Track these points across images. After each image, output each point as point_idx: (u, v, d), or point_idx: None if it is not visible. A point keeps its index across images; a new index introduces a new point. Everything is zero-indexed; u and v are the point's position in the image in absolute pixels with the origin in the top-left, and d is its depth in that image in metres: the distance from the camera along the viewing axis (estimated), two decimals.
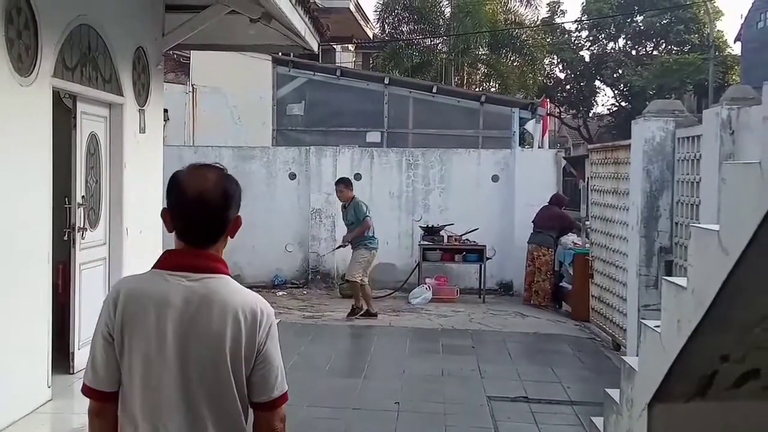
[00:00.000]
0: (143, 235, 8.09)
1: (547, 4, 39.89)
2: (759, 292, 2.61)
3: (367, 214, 10.30)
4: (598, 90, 43.52)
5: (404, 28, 29.05)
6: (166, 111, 10.39)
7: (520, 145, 15.82)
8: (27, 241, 5.82)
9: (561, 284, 11.48)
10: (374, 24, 28.10)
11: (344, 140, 14.45)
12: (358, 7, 22.28)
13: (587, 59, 41.63)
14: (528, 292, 11.73)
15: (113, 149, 7.56)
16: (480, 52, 28.11)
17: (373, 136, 15.44)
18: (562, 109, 43.24)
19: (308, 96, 15.85)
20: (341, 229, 11.43)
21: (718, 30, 38.50)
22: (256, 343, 2.20)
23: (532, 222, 11.67)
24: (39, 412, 5.89)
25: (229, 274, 2.27)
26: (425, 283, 11.86)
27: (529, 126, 15.93)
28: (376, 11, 29.04)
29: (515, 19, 30.23)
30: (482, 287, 12.03)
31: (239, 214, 2.30)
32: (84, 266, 7.03)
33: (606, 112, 44.61)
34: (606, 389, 4.02)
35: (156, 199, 8.64)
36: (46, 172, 6.09)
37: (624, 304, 8.24)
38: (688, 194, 6.95)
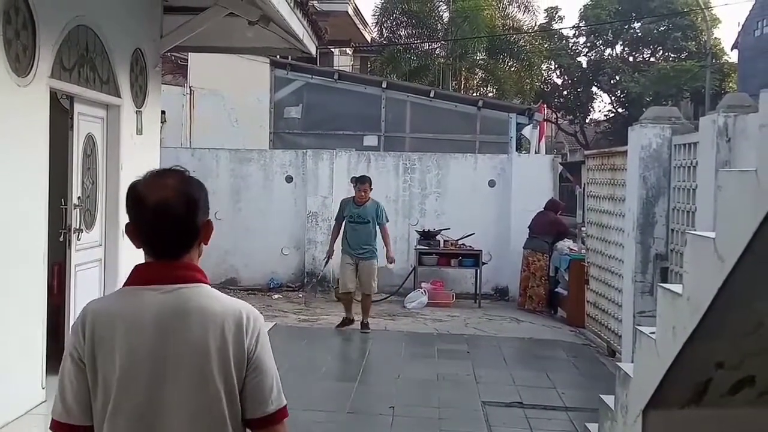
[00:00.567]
0: None
1: (545, 9, 40.09)
2: (754, 299, 2.62)
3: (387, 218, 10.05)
4: (595, 96, 43.59)
5: (402, 33, 29.10)
6: (163, 113, 10.37)
7: (516, 150, 15.82)
8: (23, 242, 5.81)
9: (556, 290, 11.48)
10: (372, 28, 28.13)
11: (341, 144, 14.45)
12: (357, 10, 22.29)
13: (584, 65, 41.70)
14: (523, 297, 11.73)
15: (110, 150, 7.56)
16: (478, 57, 28.17)
17: (370, 140, 15.44)
18: (559, 115, 43.30)
19: (306, 99, 15.85)
20: None
21: (715, 38, 38.62)
22: (245, 351, 2.01)
23: (528, 228, 11.68)
24: (33, 414, 5.88)
25: (207, 283, 2.10)
26: (421, 288, 11.86)
27: (526, 131, 15.95)
28: (374, 15, 29.15)
29: (513, 24, 30.31)
30: (478, 292, 12.03)
31: (209, 218, 2.16)
32: (79, 267, 7.02)
33: (603, 118, 44.66)
34: (601, 395, 4.02)
35: None
36: (43, 172, 6.08)
37: (619, 311, 8.24)
38: (684, 201, 6.96)
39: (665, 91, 35.21)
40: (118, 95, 7.54)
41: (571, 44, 41.35)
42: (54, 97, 6.55)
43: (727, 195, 2.59)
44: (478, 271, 11.96)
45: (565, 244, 11.67)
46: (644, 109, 8.66)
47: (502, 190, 12.75)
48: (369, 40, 26.52)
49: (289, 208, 12.86)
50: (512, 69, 29.19)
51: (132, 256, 6.82)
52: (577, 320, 10.26)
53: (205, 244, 2.15)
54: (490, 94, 29.13)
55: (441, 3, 28.53)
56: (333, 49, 21.75)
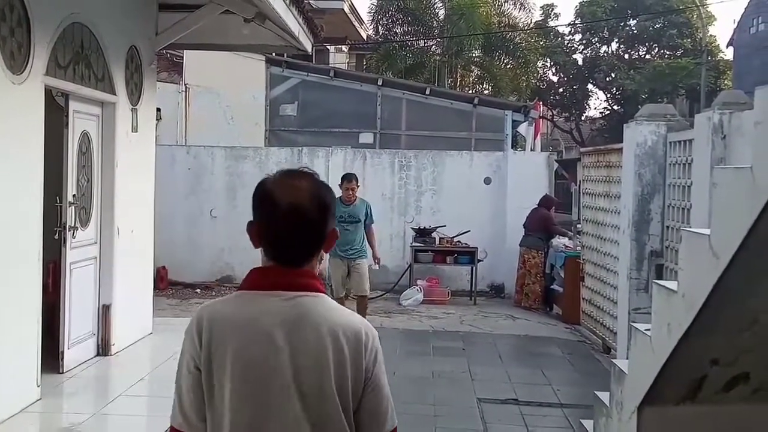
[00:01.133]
0: (134, 235, 8.07)
1: (541, 7, 40.07)
2: (749, 295, 2.62)
3: None
4: (590, 93, 43.59)
5: (398, 30, 29.05)
6: (158, 110, 10.34)
7: (512, 147, 15.84)
8: (17, 240, 5.79)
9: (552, 287, 11.50)
10: (368, 25, 28.10)
11: (337, 141, 14.45)
12: (353, 8, 22.27)
13: (580, 62, 41.70)
14: (519, 294, 11.75)
15: (105, 148, 7.54)
16: (473, 55, 28.13)
17: (366, 137, 15.43)
18: (554, 112, 43.30)
19: (301, 96, 15.84)
20: None
21: (710, 35, 38.63)
22: (363, 370, 1.92)
23: (523, 225, 11.69)
24: (28, 412, 5.86)
25: (325, 293, 1.99)
26: (417, 285, 11.87)
27: (522, 129, 15.95)
28: (370, 12, 29.08)
29: (509, 21, 30.26)
30: (473, 289, 12.04)
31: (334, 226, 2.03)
32: (74, 265, 7.01)
33: (598, 115, 44.67)
34: (596, 392, 4.03)
35: (148, 199, 8.62)
36: (38, 170, 6.06)
37: (614, 307, 8.26)
38: (679, 198, 6.97)
39: (661, 89, 35.23)
40: (114, 93, 7.53)
41: (566, 41, 41.33)
42: (49, 94, 6.54)
43: (723, 192, 2.59)
44: (474, 268, 11.97)
45: (561, 242, 11.68)
46: (640, 107, 8.66)
47: (497, 188, 12.76)
48: (365, 38, 26.48)
49: None
50: (508, 66, 29.18)
51: (127, 254, 6.82)
52: (573, 317, 10.28)
53: (326, 252, 2.04)
54: (486, 92, 29.11)
55: (437, 0, 28.51)
56: (329, 47, 21.73)
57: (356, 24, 23.31)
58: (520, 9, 30.80)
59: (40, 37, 5.93)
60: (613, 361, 3.89)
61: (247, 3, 7.87)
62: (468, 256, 11.93)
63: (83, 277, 7.20)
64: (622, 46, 41.81)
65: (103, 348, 7.56)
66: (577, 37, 41.76)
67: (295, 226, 1.93)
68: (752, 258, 2.43)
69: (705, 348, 2.88)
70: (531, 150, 14.89)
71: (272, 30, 8.88)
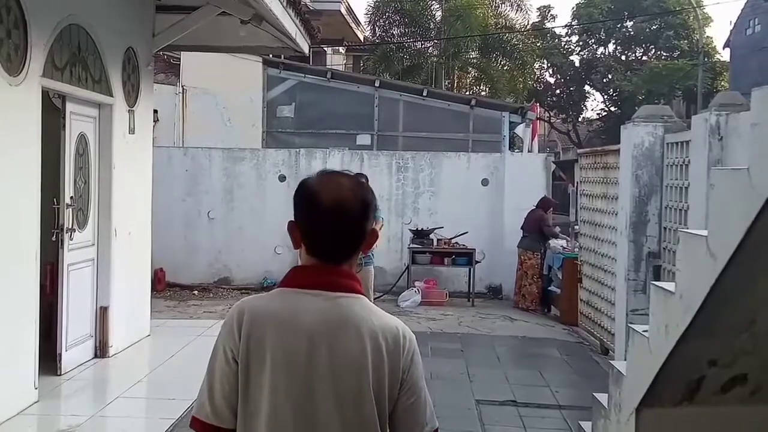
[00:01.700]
0: (132, 237, 8.07)
1: (538, 8, 40.15)
2: (746, 297, 2.63)
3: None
4: (587, 95, 43.69)
5: (395, 31, 29.09)
6: (155, 112, 10.35)
7: (509, 149, 15.85)
8: (15, 242, 5.79)
9: (550, 288, 11.50)
10: (365, 27, 28.12)
11: (334, 143, 14.45)
12: (349, 9, 22.28)
13: (577, 64, 41.78)
14: (517, 295, 11.75)
15: (102, 150, 7.54)
16: (470, 56, 28.18)
17: (363, 139, 15.44)
18: (551, 114, 43.36)
19: (299, 98, 15.84)
20: None
21: (707, 36, 38.74)
22: (399, 371, 1.93)
23: (521, 227, 11.70)
24: (25, 414, 5.86)
25: (363, 294, 2.01)
26: (414, 287, 11.86)
27: (519, 130, 15.96)
28: (367, 14, 29.12)
29: (506, 23, 30.31)
30: (471, 291, 12.04)
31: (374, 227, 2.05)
32: (72, 267, 7.00)
33: (595, 116, 44.76)
34: (594, 393, 4.02)
35: (145, 201, 8.62)
36: (35, 172, 6.06)
37: (612, 309, 8.26)
38: (676, 199, 6.97)
39: (657, 90, 35.28)
40: (111, 94, 7.53)
41: (563, 43, 41.41)
42: (46, 96, 6.53)
43: (720, 193, 2.59)
44: (472, 269, 11.97)
45: (559, 243, 11.69)
46: (637, 108, 8.67)
47: (495, 189, 12.77)
48: (362, 39, 26.51)
49: (282, 208, 12.80)
50: (505, 68, 29.22)
51: (125, 256, 6.81)
52: (571, 318, 10.28)
53: (364, 252, 2.07)
54: (483, 93, 29.17)
55: (434, 2, 28.53)
56: (326, 48, 21.75)
57: (353, 25, 23.33)
58: (516, 10, 30.90)
59: (36, 38, 5.93)
60: (611, 362, 3.89)
61: (244, 5, 7.87)
62: (466, 257, 11.93)
63: (81, 279, 7.20)
64: (618, 47, 41.89)
65: (101, 350, 7.55)
66: (574, 38, 41.86)
67: (339, 223, 1.94)
68: (749, 259, 2.43)
69: (703, 349, 2.88)
70: (528, 151, 14.90)
71: (269, 32, 8.88)
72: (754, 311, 2.70)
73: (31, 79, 5.88)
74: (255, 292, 12.25)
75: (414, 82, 22.27)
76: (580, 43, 41.86)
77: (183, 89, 15.75)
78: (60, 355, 6.83)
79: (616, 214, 8.17)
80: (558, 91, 42.86)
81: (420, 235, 12.09)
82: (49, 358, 6.63)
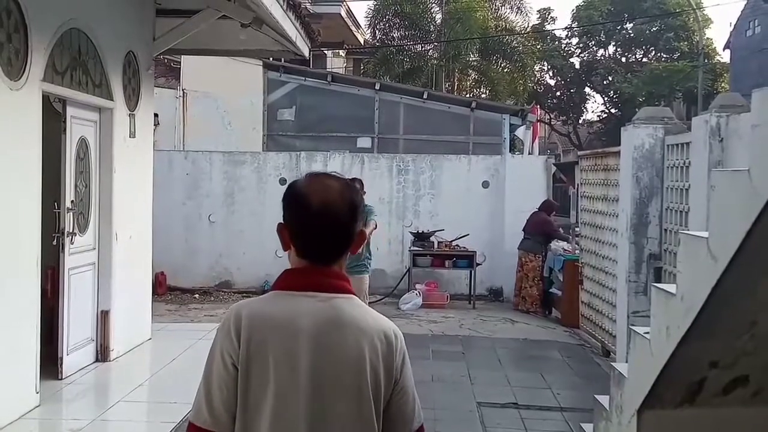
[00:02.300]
0: (132, 241, 8.07)
1: (538, 11, 40.18)
2: (747, 298, 2.62)
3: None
4: (588, 97, 43.73)
5: (395, 34, 29.11)
6: (156, 115, 10.36)
7: (510, 151, 15.85)
8: (16, 246, 5.79)
9: (551, 290, 11.49)
10: (365, 30, 28.13)
11: (335, 145, 14.46)
12: (350, 12, 22.28)
13: (577, 66, 41.80)
14: (518, 298, 11.74)
15: (103, 154, 7.54)
16: (471, 59, 28.22)
17: (364, 142, 15.45)
18: (552, 116, 43.38)
19: (299, 101, 15.86)
20: None
21: (707, 38, 38.76)
22: (394, 370, 1.95)
23: (523, 229, 11.70)
24: (27, 418, 5.86)
25: (354, 294, 2.04)
26: (415, 289, 11.85)
27: (520, 132, 15.98)
28: (367, 17, 29.16)
29: (506, 25, 30.34)
30: (472, 293, 12.03)
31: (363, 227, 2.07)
32: (73, 271, 7.00)
33: (596, 118, 44.78)
34: (596, 395, 4.02)
35: (146, 204, 8.62)
36: (36, 176, 6.06)
37: (613, 311, 8.25)
38: (677, 201, 6.97)
39: (658, 92, 35.31)
40: (111, 98, 7.53)
41: (563, 45, 41.45)
42: (47, 100, 6.54)
43: (720, 195, 2.60)
44: (473, 272, 11.96)
45: (560, 245, 11.68)
46: (637, 110, 8.66)
47: (495, 191, 12.76)
48: (362, 42, 26.51)
49: (282, 211, 12.82)
50: (505, 70, 29.25)
51: (125, 260, 6.81)
52: (572, 320, 10.27)
53: (353, 253, 2.06)
54: (484, 95, 29.18)
55: (434, 4, 28.57)
56: (326, 51, 21.74)
57: (353, 28, 23.32)
58: (517, 13, 30.96)
59: (37, 42, 5.93)
60: (613, 364, 3.89)
61: (245, 8, 7.88)
62: (467, 259, 11.92)
63: (82, 283, 7.20)
64: (619, 49, 41.93)
65: (102, 354, 7.55)
66: (574, 40, 41.91)
67: (328, 226, 1.96)
68: (750, 260, 2.43)
69: (704, 351, 2.88)
70: (529, 153, 14.91)
71: (269, 35, 8.89)
72: (755, 312, 2.70)
73: (31, 83, 5.89)
74: (256, 296, 12.21)
75: (414, 85, 22.30)
76: (581, 45, 41.90)
77: (183, 93, 15.77)
78: (61, 359, 6.83)
79: (616, 216, 8.17)
80: (558, 93, 42.89)
81: (421, 237, 12.09)
82: (50, 362, 6.63)
